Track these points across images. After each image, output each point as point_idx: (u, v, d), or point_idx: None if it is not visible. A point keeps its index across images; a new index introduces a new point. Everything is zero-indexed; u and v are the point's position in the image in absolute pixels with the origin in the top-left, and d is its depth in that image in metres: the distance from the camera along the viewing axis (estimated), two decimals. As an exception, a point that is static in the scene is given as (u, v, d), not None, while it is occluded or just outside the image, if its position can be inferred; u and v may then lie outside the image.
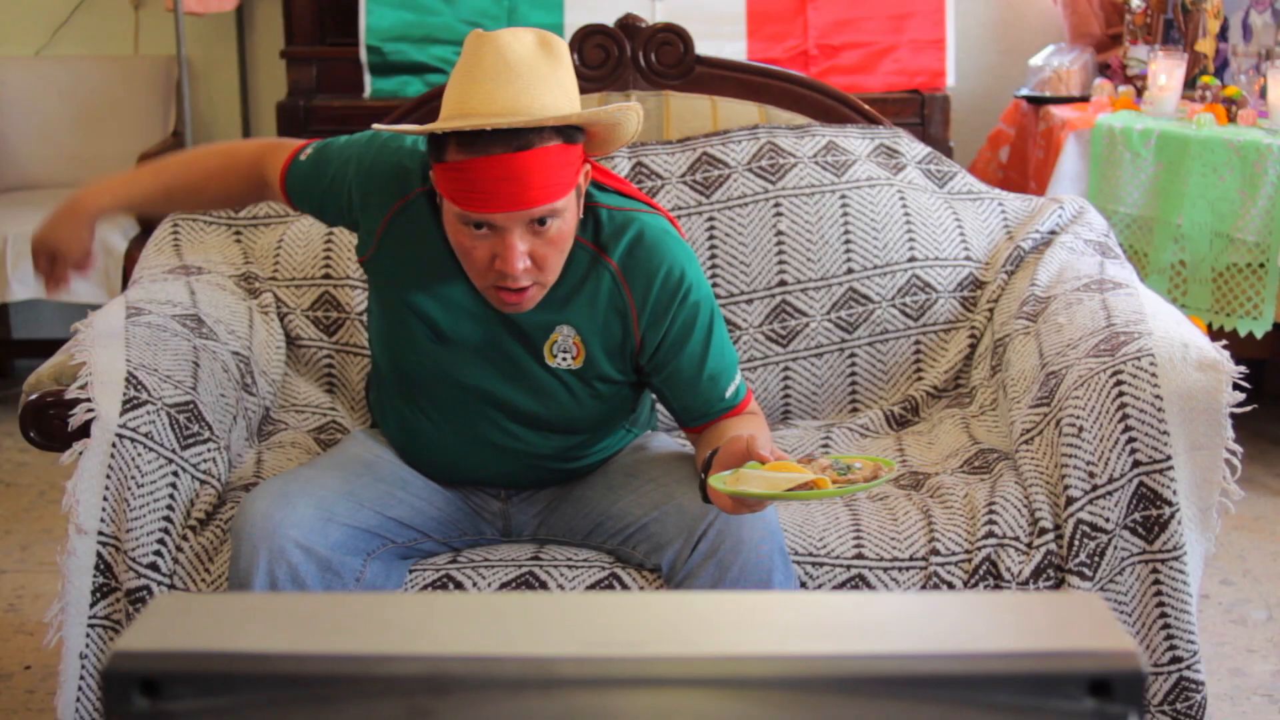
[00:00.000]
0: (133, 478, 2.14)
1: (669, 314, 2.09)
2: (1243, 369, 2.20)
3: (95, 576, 2.16)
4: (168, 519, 2.15)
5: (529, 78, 1.91)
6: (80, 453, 2.14)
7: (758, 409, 2.22)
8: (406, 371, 2.17)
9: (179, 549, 2.16)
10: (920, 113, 3.93)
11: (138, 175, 2.40)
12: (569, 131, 1.94)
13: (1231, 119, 3.69)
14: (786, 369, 2.70)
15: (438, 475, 2.23)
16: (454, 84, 1.95)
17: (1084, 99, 3.95)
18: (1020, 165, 4.06)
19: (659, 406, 2.46)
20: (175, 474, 2.17)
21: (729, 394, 2.14)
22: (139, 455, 2.15)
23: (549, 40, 1.95)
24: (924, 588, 2.17)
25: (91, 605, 2.17)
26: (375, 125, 2.15)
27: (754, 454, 1.91)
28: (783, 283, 2.71)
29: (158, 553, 2.15)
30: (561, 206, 1.95)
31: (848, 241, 2.72)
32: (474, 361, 2.13)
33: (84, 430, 2.14)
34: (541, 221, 1.94)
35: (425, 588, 2.14)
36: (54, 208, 2.26)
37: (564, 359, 2.12)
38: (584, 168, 2.01)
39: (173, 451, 2.18)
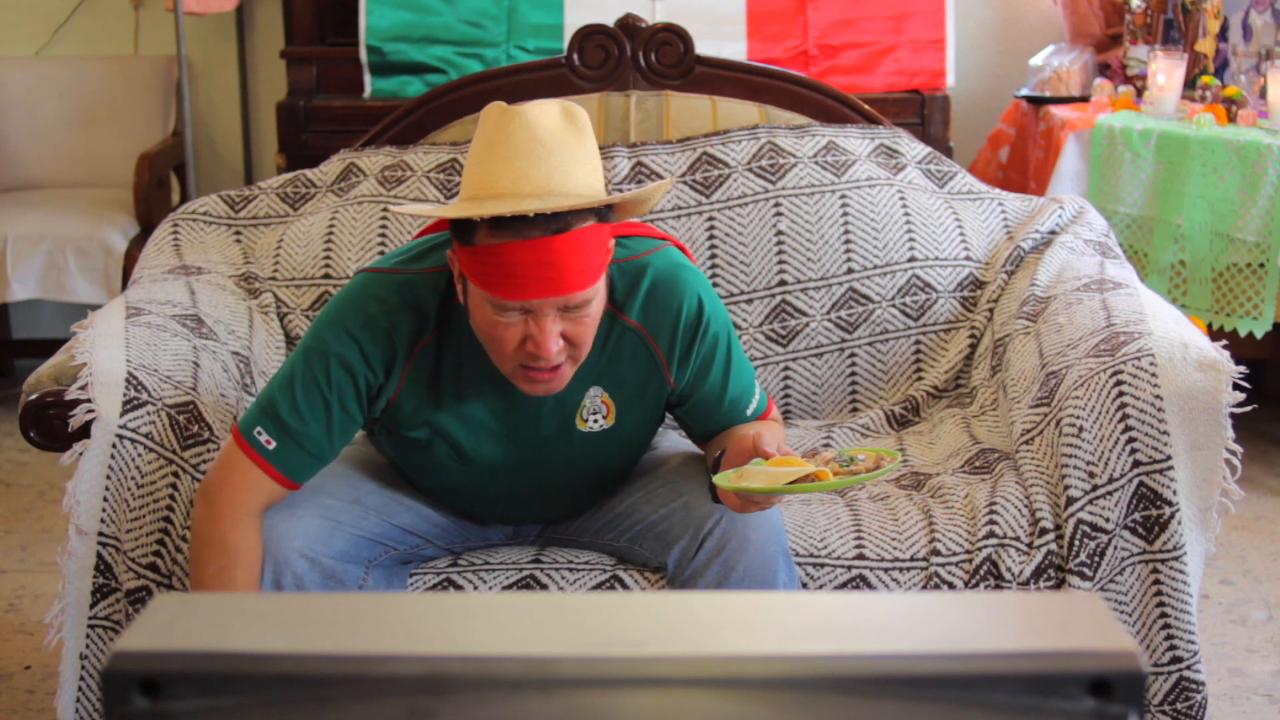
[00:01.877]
0: (133, 478, 2.14)
1: (692, 351, 2.08)
2: (1243, 369, 2.20)
3: (95, 577, 2.17)
4: (167, 519, 2.15)
5: (560, 154, 1.84)
6: (80, 453, 2.14)
7: (778, 416, 2.22)
8: (432, 486, 2.16)
9: (179, 549, 2.16)
10: (920, 113, 3.93)
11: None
12: (603, 211, 1.89)
13: (1231, 119, 3.69)
14: (786, 369, 2.70)
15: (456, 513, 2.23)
16: (479, 161, 1.87)
17: (1084, 99, 3.95)
18: (1020, 165, 4.06)
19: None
20: (175, 474, 2.17)
21: (749, 413, 2.15)
22: (139, 456, 2.15)
23: (573, 112, 1.89)
24: (925, 588, 2.17)
25: (91, 606, 2.17)
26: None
27: (759, 450, 1.91)
28: (783, 282, 2.71)
29: (157, 553, 2.15)
30: (597, 289, 1.90)
31: (848, 241, 2.72)
32: (501, 470, 2.11)
33: (84, 431, 2.14)
34: (575, 306, 1.88)
35: (426, 591, 2.15)
36: None
37: (595, 420, 2.08)
38: (611, 242, 1.96)
39: (173, 452, 2.17)
